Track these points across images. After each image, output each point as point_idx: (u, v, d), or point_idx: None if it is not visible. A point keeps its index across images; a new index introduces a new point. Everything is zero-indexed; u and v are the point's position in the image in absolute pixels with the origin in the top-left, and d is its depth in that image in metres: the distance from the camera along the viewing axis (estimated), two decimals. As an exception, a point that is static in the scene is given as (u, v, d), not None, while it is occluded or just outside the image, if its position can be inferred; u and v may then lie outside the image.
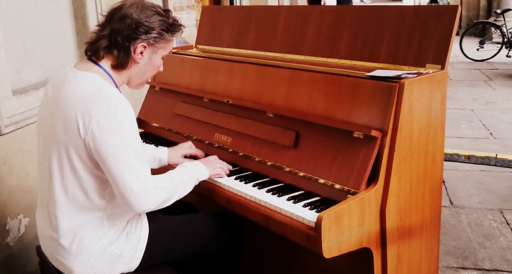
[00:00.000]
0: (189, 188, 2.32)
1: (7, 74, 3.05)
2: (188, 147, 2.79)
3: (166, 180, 2.20)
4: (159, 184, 2.14)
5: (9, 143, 3.07)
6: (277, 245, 3.04)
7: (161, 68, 2.39)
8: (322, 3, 13.26)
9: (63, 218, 2.16)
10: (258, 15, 3.26)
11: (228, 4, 8.48)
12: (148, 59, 2.27)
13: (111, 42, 2.17)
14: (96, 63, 2.20)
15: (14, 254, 3.14)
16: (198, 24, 3.71)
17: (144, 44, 2.19)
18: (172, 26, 2.27)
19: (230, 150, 2.78)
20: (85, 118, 2.01)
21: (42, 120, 2.24)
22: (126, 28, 2.15)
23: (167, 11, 2.28)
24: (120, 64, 2.21)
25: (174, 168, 2.37)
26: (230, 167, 2.62)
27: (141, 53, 2.21)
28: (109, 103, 2.03)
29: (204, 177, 2.44)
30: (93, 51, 2.21)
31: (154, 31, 2.19)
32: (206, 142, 2.92)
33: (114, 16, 2.19)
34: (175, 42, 2.33)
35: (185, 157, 2.77)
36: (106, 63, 2.21)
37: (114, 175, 2.03)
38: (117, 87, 2.21)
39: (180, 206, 2.75)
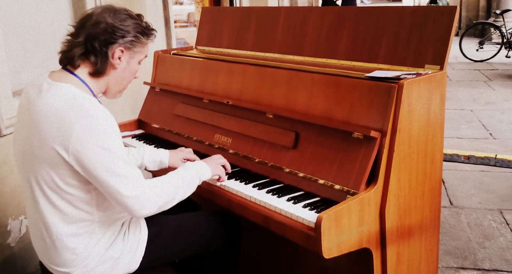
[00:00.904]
0: (192, 188, 2.31)
1: (7, 74, 3.05)
2: (188, 152, 2.79)
3: (165, 181, 2.18)
4: (157, 186, 2.12)
5: (9, 144, 3.07)
6: (277, 245, 3.04)
7: (137, 75, 2.34)
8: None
9: (52, 230, 2.12)
10: (257, 16, 3.26)
11: (228, 5, 8.48)
12: (126, 65, 2.22)
13: (88, 49, 2.11)
14: (71, 72, 2.14)
15: (15, 254, 3.14)
16: (198, 25, 3.72)
17: (122, 48, 2.15)
18: (146, 30, 2.24)
19: (230, 151, 2.79)
20: (64, 137, 1.95)
21: (17, 133, 2.18)
22: (102, 33, 2.11)
23: (139, 15, 2.25)
24: (98, 71, 2.15)
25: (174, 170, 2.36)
26: (229, 168, 2.61)
27: (119, 58, 2.17)
28: (87, 115, 1.97)
29: (206, 176, 2.41)
30: (68, 60, 2.15)
31: (130, 35, 2.16)
32: (206, 143, 2.93)
33: (86, 23, 2.14)
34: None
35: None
36: (82, 71, 2.15)
37: (106, 186, 1.99)
38: (94, 96, 2.16)
39: (182, 204, 2.75)
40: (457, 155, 5.76)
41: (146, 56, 2.32)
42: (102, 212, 2.17)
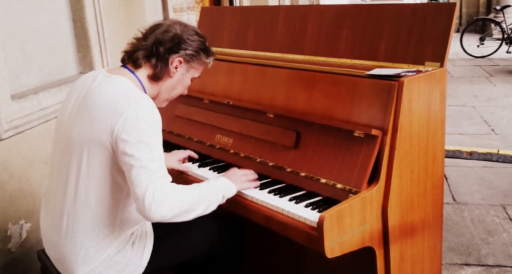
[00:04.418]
0: (215, 205, 2.22)
1: (6, 78, 3.04)
2: (182, 152, 2.83)
3: (188, 191, 2.11)
4: (180, 192, 2.05)
5: (8, 148, 3.06)
6: (281, 246, 3.03)
7: (186, 92, 2.47)
8: None
9: (74, 226, 2.14)
10: (257, 15, 3.26)
11: (228, 4, 8.47)
12: (181, 76, 2.35)
13: (152, 52, 2.26)
14: (131, 71, 2.27)
15: (16, 259, 3.13)
16: (197, 25, 3.71)
17: (181, 59, 2.30)
18: (208, 49, 2.39)
19: (231, 151, 2.78)
20: (113, 119, 2.03)
21: (63, 122, 2.23)
22: (169, 41, 2.26)
23: (205, 36, 2.41)
24: (157, 76, 2.29)
25: (181, 178, 2.35)
26: (256, 175, 2.54)
27: (176, 67, 2.30)
28: (138, 105, 2.06)
29: (231, 194, 2.34)
30: (132, 60, 2.29)
31: (192, 49, 2.31)
32: (207, 144, 2.92)
33: (157, 29, 2.30)
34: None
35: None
36: (143, 73, 2.28)
37: (132, 175, 1.98)
38: None
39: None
40: (460, 151, 5.75)
41: (199, 76, 2.46)
42: (124, 217, 2.18)
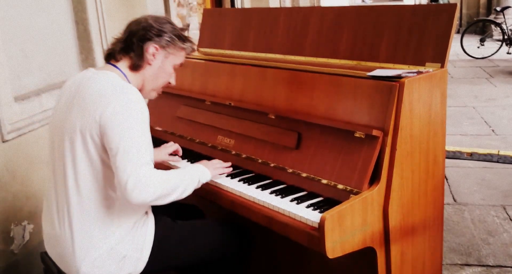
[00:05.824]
0: (190, 189, 2.30)
1: (8, 80, 3.05)
2: (170, 145, 2.90)
3: (168, 176, 2.19)
4: (161, 177, 2.13)
5: (12, 150, 3.07)
6: (281, 246, 3.04)
7: (173, 81, 2.51)
8: None
9: (75, 215, 2.18)
10: (258, 17, 3.27)
11: (229, 6, 8.47)
12: (161, 64, 2.40)
13: (127, 44, 2.35)
14: (114, 65, 2.36)
15: (19, 261, 3.13)
16: (200, 26, 3.72)
17: (156, 46, 2.35)
18: (181, 35, 2.44)
19: (233, 152, 2.79)
20: (102, 108, 2.10)
21: (58, 120, 2.28)
22: (141, 30, 2.35)
23: (182, 28, 2.50)
24: (136, 64, 2.35)
25: (162, 167, 2.38)
26: (230, 167, 2.65)
27: (153, 55, 2.36)
28: (127, 96, 2.15)
29: (206, 179, 2.44)
30: (112, 55, 2.39)
31: (165, 35, 2.36)
32: (209, 145, 2.93)
33: (132, 24, 2.40)
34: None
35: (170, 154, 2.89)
36: (123, 64, 2.36)
37: (118, 161, 2.06)
38: None
39: (186, 209, 2.78)
40: (460, 152, 5.76)
41: (181, 64, 2.50)
42: (123, 202, 2.21)
